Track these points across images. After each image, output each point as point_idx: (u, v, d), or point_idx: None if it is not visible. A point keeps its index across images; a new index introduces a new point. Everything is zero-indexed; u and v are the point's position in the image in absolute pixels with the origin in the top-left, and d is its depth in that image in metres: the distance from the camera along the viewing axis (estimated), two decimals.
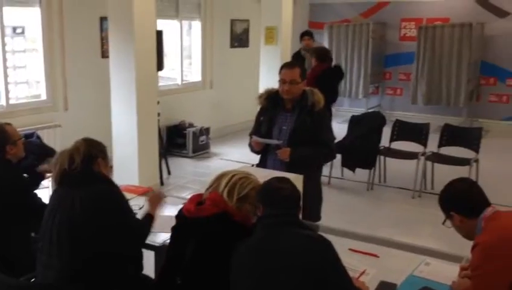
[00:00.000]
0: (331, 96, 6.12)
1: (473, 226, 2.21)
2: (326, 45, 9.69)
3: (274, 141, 3.41)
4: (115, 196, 2.44)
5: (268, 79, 6.86)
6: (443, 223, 2.36)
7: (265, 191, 2.18)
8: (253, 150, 3.58)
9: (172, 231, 2.38)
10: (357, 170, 6.19)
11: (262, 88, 3.71)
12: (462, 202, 2.25)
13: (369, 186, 6.13)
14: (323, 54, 6.36)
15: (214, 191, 2.29)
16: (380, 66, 10.38)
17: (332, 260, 1.98)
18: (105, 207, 2.35)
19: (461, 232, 2.30)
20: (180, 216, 2.35)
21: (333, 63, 6.61)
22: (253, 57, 8.42)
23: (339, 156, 5.98)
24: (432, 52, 9.12)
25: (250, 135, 3.60)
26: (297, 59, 7.08)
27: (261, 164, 3.53)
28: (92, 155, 2.46)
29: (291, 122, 3.40)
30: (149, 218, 2.64)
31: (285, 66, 3.45)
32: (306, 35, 7.49)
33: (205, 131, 7.72)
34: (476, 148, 5.85)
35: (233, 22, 8.86)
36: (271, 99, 3.49)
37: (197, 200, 2.31)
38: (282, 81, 3.38)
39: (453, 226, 2.32)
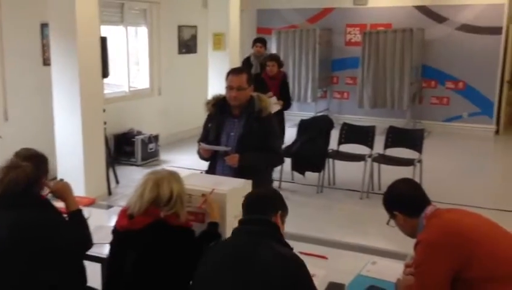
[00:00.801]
0: (290, 103, 6.58)
1: (415, 225, 2.28)
2: (274, 50, 9.80)
3: (222, 148, 3.41)
4: (47, 223, 2.27)
5: (218, 85, 6.86)
6: (387, 223, 2.43)
7: (247, 197, 2.21)
8: (202, 157, 3.56)
9: (110, 246, 2.35)
10: (307, 173, 6.27)
11: (211, 94, 3.69)
12: (404, 202, 2.33)
13: (319, 189, 6.22)
14: (281, 61, 6.63)
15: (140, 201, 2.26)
16: (327, 71, 10.59)
17: (305, 281, 2.00)
18: (34, 235, 2.19)
19: (404, 230, 2.37)
20: (115, 231, 2.33)
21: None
22: (201, 63, 8.39)
23: (288, 160, 6.06)
24: (376, 56, 9.41)
25: (199, 142, 3.58)
26: (247, 65, 7.11)
27: (210, 171, 3.52)
28: (37, 177, 2.32)
29: (239, 128, 3.40)
30: (76, 215, 2.48)
31: (232, 72, 3.44)
32: (259, 42, 7.39)
33: (154, 138, 7.60)
34: (419, 149, 6.07)
35: (180, 28, 8.79)
36: (218, 106, 3.48)
37: (128, 213, 2.29)
38: (229, 88, 3.38)
39: (396, 226, 2.39)
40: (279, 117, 6.06)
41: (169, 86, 8.64)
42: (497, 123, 9.62)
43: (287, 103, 6.45)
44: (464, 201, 5.50)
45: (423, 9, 9.75)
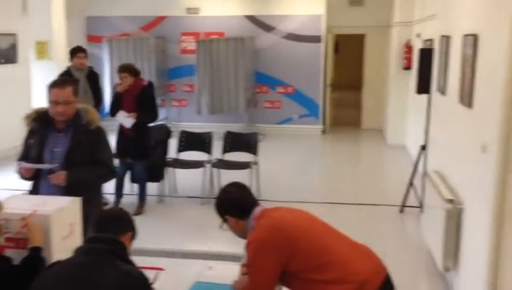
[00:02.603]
0: (156, 113, 5.75)
1: (246, 226, 2.36)
2: (107, 59, 9.42)
3: (46, 166, 3.12)
4: None
5: (43, 97, 6.31)
6: (220, 227, 2.47)
7: (99, 215, 2.13)
8: (23, 177, 3.21)
9: None
10: (147, 183, 6.11)
11: (35, 106, 3.34)
12: (233, 205, 2.40)
13: (160, 199, 6.12)
14: (135, 69, 5.75)
15: None
16: (164, 79, 10.52)
17: None
18: None
19: (236, 233, 2.44)
20: None
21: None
22: (23, 74, 7.66)
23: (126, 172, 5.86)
24: (211, 64, 9.61)
25: (19, 160, 3.23)
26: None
27: (34, 191, 3.20)
28: None
29: (66, 143, 3.15)
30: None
31: (55, 86, 3.13)
32: (81, 52, 6.19)
33: None
34: (254, 152, 6.33)
35: None
36: (40, 120, 3.18)
37: None
38: (54, 103, 3.08)
39: (229, 229, 2.44)
40: (141, 130, 5.61)
41: None
42: (324, 123, 10.53)
43: (150, 115, 5.67)
44: (298, 198, 5.90)
45: (253, 19, 10.26)
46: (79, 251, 2.00)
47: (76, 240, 2.48)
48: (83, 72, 6.10)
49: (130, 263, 2.03)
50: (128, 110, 5.53)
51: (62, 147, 3.14)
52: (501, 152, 2.82)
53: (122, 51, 9.87)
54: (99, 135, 3.25)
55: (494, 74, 3.01)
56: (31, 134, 3.23)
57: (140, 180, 5.84)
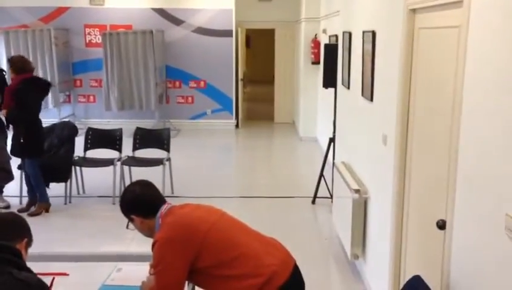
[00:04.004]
0: (35, 109, 5.41)
1: (153, 225, 2.30)
2: (3, 52, 8.76)
3: None
4: None
5: None
6: (127, 227, 2.38)
7: None
8: None
9: None
10: (52, 184, 5.79)
11: None
12: (138, 204, 2.32)
13: (67, 200, 5.83)
14: (19, 64, 5.42)
15: None
16: (68, 74, 10.01)
17: None
18: None
19: (143, 232, 2.37)
20: None
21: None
22: None
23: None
24: (119, 58, 9.29)
25: None
26: None
27: None
28: None
29: None
30: None
31: None
32: None
33: None
34: (167, 148, 6.21)
35: None
36: None
37: None
38: None
39: (136, 228, 2.36)
40: (16, 127, 5.36)
41: None
42: (237, 118, 10.59)
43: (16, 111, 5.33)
44: (212, 193, 5.89)
45: (161, 12, 10.04)
46: None
47: None
48: None
49: (27, 270, 1.89)
50: (6, 106, 5.32)
51: None
52: (399, 144, 2.99)
53: (21, 43, 9.24)
54: None
55: (391, 69, 3.17)
56: None
57: (30, 178, 5.51)
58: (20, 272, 1.82)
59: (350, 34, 4.73)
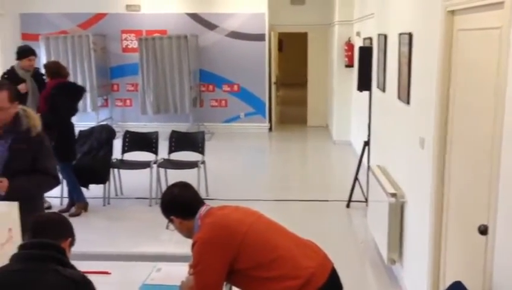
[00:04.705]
0: (67, 113, 5.59)
1: (192, 226, 2.34)
2: (43, 58, 9.05)
3: None
4: None
5: None
6: (167, 228, 2.44)
7: (35, 220, 2.01)
8: None
9: None
10: (91, 185, 5.95)
11: None
12: (177, 205, 2.38)
13: (106, 201, 5.97)
14: (54, 69, 5.64)
15: None
16: (106, 78, 10.25)
17: None
18: None
19: (182, 233, 2.42)
20: None
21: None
22: None
23: None
24: (155, 62, 9.46)
25: None
26: (14, 79, 6.16)
27: None
28: None
29: (3, 151, 2.97)
30: None
31: None
32: (33, 54, 6.00)
33: None
34: (201, 151, 6.29)
35: None
36: None
37: None
38: None
39: (175, 229, 2.41)
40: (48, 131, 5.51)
41: None
42: (270, 121, 10.61)
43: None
44: (246, 196, 5.92)
45: (195, 17, 10.18)
46: (16, 258, 1.91)
47: (16, 246, 2.38)
48: (28, 73, 5.89)
49: (71, 267, 1.96)
50: (40, 111, 5.39)
51: (0, 156, 2.97)
52: (437, 147, 2.95)
53: (60, 49, 9.53)
54: (41, 142, 3.06)
55: (428, 71, 3.14)
56: None
57: (66, 181, 5.67)
58: (65, 269, 1.89)
59: (385, 37, 4.69)
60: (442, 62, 2.87)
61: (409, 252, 3.75)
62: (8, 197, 2.88)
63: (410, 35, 3.64)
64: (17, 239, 2.46)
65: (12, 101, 2.97)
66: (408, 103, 3.71)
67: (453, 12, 2.80)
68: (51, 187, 3.25)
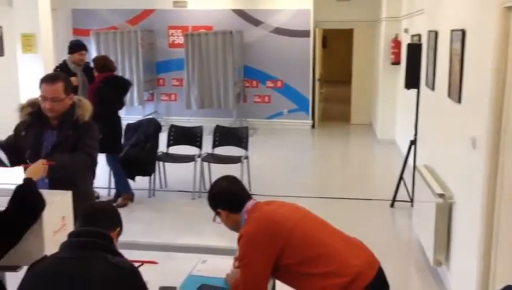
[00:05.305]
0: (114, 107, 5.73)
1: (238, 220, 2.37)
2: (93, 52, 9.31)
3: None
4: None
5: (31, 91, 6.23)
6: (213, 220, 2.47)
7: (85, 209, 2.12)
8: None
9: None
10: (137, 177, 6.10)
11: (24, 99, 3.24)
12: (225, 198, 2.40)
13: (151, 193, 6.11)
14: (101, 63, 5.81)
15: None
16: (152, 73, 10.46)
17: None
18: None
19: (229, 226, 2.44)
20: None
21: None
22: (10, 67, 7.57)
23: None
24: (200, 58, 9.57)
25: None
26: (65, 73, 6.38)
27: None
28: None
29: (54, 140, 3.07)
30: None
31: (45, 81, 3.02)
32: (84, 49, 6.23)
33: None
34: (245, 146, 6.33)
35: None
36: (35, 116, 3.07)
37: None
38: (43, 98, 3.00)
39: (222, 222, 2.44)
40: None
41: None
42: (313, 118, 10.55)
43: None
44: (288, 192, 5.92)
45: (240, 13, 10.23)
46: (66, 246, 1.98)
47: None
48: (80, 67, 6.10)
49: (119, 255, 2.02)
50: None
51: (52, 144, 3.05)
52: (490, 147, 2.86)
53: (110, 44, 9.80)
54: (88, 129, 3.12)
55: (482, 69, 3.04)
56: (25, 126, 3.10)
57: (113, 172, 5.83)
58: (113, 257, 1.95)
59: (436, 33, 4.57)
60: (497, 60, 2.78)
61: (456, 254, 3.65)
62: (53, 180, 2.92)
63: (463, 32, 3.53)
64: (69, 227, 2.56)
65: (67, 93, 3.05)
66: (459, 101, 3.61)
67: (510, 8, 2.70)
68: (85, 164, 3.20)
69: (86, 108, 3.16)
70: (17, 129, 3.17)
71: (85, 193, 3.15)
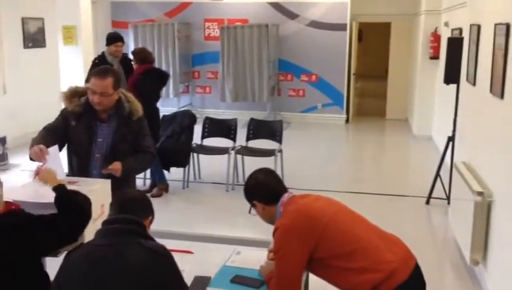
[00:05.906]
0: (153, 98, 5.78)
1: (274, 212, 2.37)
2: (132, 45, 9.47)
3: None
4: None
5: (71, 81, 6.39)
6: (249, 212, 2.49)
7: (118, 197, 2.17)
8: (31, 158, 2.95)
9: None
10: (172, 168, 6.19)
11: (65, 89, 3.28)
12: (261, 190, 2.41)
13: (185, 184, 6.19)
14: (141, 55, 5.88)
15: None
16: (188, 66, 10.56)
17: (175, 276, 2.01)
18: None
19: (265, 218, 2.45)
20: None
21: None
22: (52, 58, 7.79)
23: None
24: (235, 51, 9.60)
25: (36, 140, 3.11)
26: (103, 65, 6.50)
27: (84, 176, 3.08)
28: None
29: (108, 134, 3.11)
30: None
31: (95, 75, 3.06)
32: (120, 41, 6.20)
33: (1, 141, 6.90)
34: (279, 140, 6.32)
35: (24, 20, 8.05)
36: (87, 108, 3.10)
37: None
38: (91, 92, 3.04)
39: (257, 214, 2.46)
40: None
41: (16, 83, 7.87)
42: (347, 112, 10.45)
43: None
44: (322, 187, 5.89)
45: (276, 6, 10.19)
46: (101, 233, 2.02)
47: None
48: (117, 59, 6.15)
49: (152, 240, 2.07)
50: None
51: (104, 138, 3.11)
52: None
53: (147, 36, 9.94)
54: (141, 125, 3.23)
55: None
56: (75, 117, 3.12)
57: None
58: (147, 241, 2.00)
59: (479, 27, 4.44)
60: None
61: (494, 253, 3.56)
62: (121, 177, 3.02)
63: (507, 26, 3.42)
64: None
65: (116, 88, 3.08)
66: (502, 97, 3.50)
67: None
68: (150, 163, 3.41)
69: (136, 103, 3.22)
70: (66, 117, 3.16)
71: (132, 181, 3.32)
